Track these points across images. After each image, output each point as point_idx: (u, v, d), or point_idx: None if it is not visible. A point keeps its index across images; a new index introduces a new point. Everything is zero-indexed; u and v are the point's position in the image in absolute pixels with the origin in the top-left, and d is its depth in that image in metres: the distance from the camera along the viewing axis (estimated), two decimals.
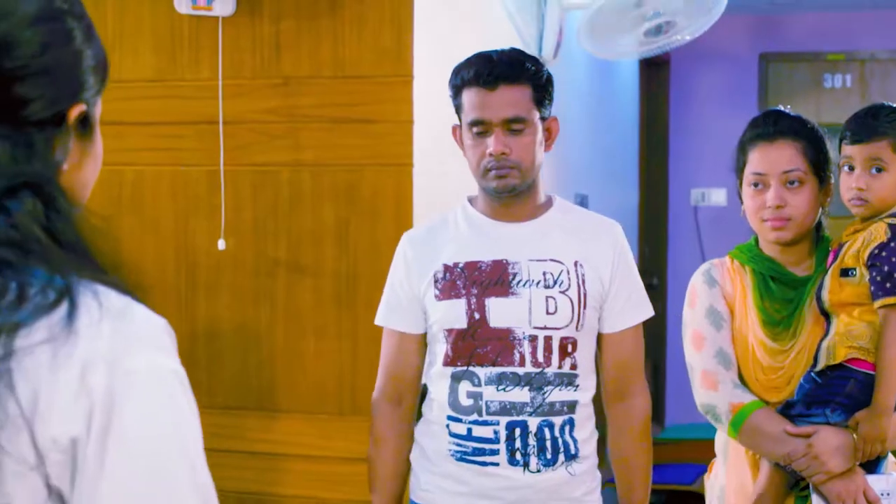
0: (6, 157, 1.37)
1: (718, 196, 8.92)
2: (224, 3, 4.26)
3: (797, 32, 9.13)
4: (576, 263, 3.24)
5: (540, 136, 3.23)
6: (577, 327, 3.22)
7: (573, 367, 3.22)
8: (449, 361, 3.24)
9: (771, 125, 3.29)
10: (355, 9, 4.27)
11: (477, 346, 3.21)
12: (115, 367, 1.31)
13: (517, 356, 3.19)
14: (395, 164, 4.24)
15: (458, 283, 3.23)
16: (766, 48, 9.19)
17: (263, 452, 4.41)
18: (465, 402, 3.22)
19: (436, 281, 3.26)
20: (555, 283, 3.21)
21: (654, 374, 8.35)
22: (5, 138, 1.38)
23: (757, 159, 3.28)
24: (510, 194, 3.23)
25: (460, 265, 3.25)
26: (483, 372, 3.20)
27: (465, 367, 3.22)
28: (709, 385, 3.28)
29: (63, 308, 1.31)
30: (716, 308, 3.34)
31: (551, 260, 3.23)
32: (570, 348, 3.21)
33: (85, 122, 1.47)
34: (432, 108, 4.33)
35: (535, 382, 3.18)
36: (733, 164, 3.38)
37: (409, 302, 3.32)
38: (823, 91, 9.09)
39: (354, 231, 4.29)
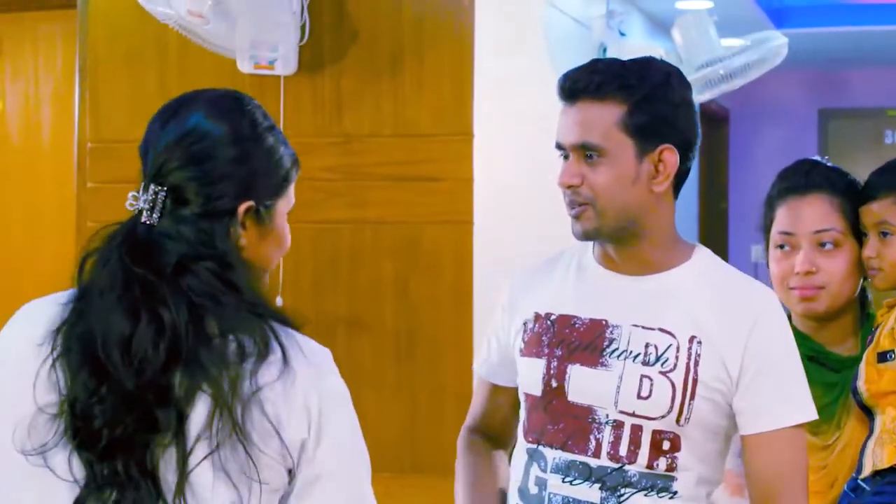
0: (194, 235, 1.95)
1: None
2: (286, 62, 4.30)
3: (857, 88, 9.11)
4: (691, 339, 2.45)
5: (633, 169, 2.45)
6: (678, 420, 2.43)
7: (670, 468, 2.44)
8: (525, 433, 2.58)
9: (802, 177, 2.80)
10: (416, 68, 4.30)
11: (548, 421, 2.52)
12: (320, 390, 1.95)
13: (592, 443, 2.47)
14: (455, 221, 4.24)
15: (543, 338, 2.55)
16: (826, 104, 9.18)
17: None
18: (533, 489, 2.54)
19: (524, 331, 2.60)
20: (657, 360, 2.45)
21: None
22: (194, 224, 1.96)
23: (784, 216, 2.79)
24: (597, 240, 2.54)
25: (553, 317, 2.55)
26: (551, 455, 2.50)
27: (535, 445, 2.54)
28: (733, 489, 2.70)
29: (278, 351, 1.91)
30: None
31: (660, 330, 2.47)
32: (666, 445, 2.44)
33: (258, 213, 2.01)
34: (493, 166, 4.34)
35: (610, 481, 2.45)
36: (759, 223, 2.94)
37: (503, 351, 2.68)
38: (885, 147, 9.06)
39: (414, 288, 4.30)
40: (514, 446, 2.66)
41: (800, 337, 2.69)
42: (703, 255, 2.57)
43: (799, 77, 8.88)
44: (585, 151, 2.44)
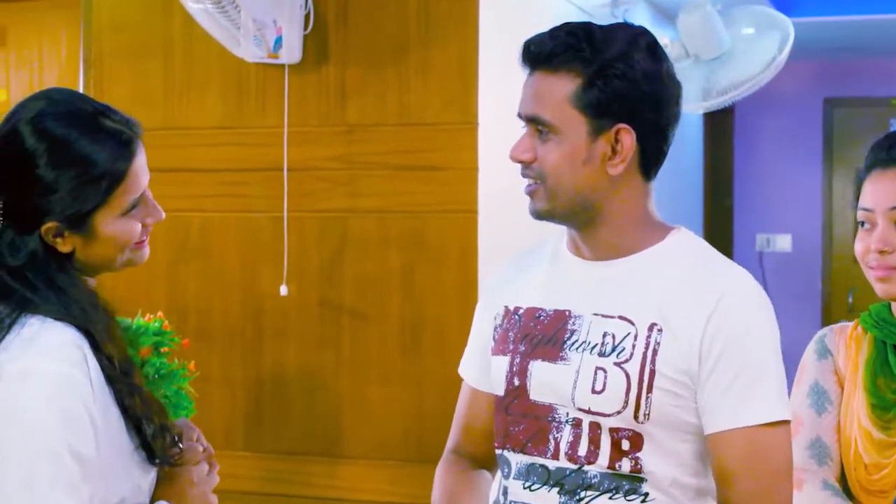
0: (6, 248, 2.14)
1: (784, 242, 8.86)
2: (291, 51, 4.30)
3: (861, 77, 9.10)
4: (651, 327, 2.21)
5: (584, 149, 2.25)
6: (636, 416, 2.20)
7: (636, 469, 2.21)
8: (495, 439, 2.40)
9: (885, 150, 2.59)
10: (420, 57, 4.29)
11: (510, 423, 2.33)
12: (2, 367, 2.04)
13: (551, 444, 2.26)
14: (459, 210, 4.24)
15: (510, 334, 2.37)
16: (831, 93, 9.16)
17: (329, 498, 4.40)
18: (500, 499, 2.37)
19: (495, 329, 2.43)
20: (612, 350, 2.22)
21: None
22: (5, 236, 2.15)
23: (867, 192, 2.57)
24: (552, 220, 2.34)
25: (521, 311, 2.38)
26: (514, 460, 2.32)
27: (501, 450, 2.36)
28: (794, 483, 2.31)
29: None
30: (822, 385, 2.56)
31: (619, 317, 2.24)
32: (626, 445, 2.21)
33: (73, 227, 2.13)
34: (497, 155, 4.33)
35: (569, 484, 2.24)
36: (851, 200, 2.70)
37: (482, 352, 2.47)
38: None
39: (419, 278, 4.30)
40: None
41: (892, 324, 2.55)
42: (679, 236, 2.33)
43: (804, 66, 8.86)
44: (538, 126, 2.28)
